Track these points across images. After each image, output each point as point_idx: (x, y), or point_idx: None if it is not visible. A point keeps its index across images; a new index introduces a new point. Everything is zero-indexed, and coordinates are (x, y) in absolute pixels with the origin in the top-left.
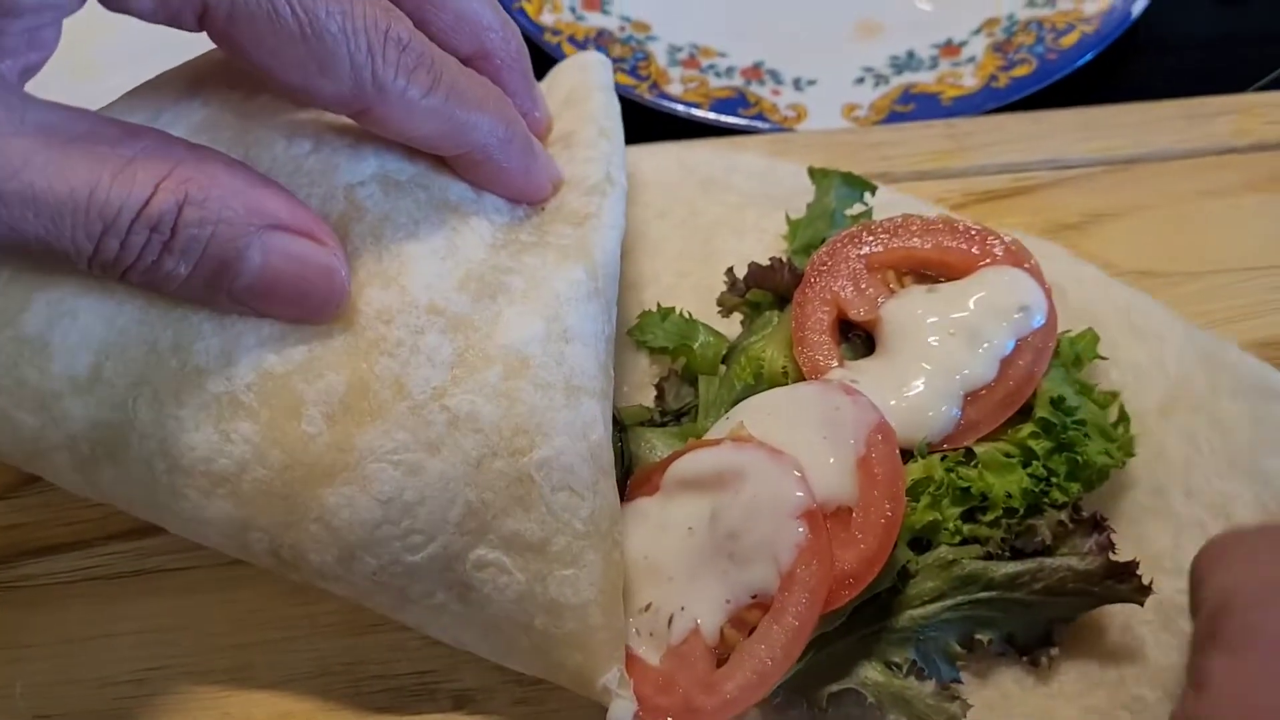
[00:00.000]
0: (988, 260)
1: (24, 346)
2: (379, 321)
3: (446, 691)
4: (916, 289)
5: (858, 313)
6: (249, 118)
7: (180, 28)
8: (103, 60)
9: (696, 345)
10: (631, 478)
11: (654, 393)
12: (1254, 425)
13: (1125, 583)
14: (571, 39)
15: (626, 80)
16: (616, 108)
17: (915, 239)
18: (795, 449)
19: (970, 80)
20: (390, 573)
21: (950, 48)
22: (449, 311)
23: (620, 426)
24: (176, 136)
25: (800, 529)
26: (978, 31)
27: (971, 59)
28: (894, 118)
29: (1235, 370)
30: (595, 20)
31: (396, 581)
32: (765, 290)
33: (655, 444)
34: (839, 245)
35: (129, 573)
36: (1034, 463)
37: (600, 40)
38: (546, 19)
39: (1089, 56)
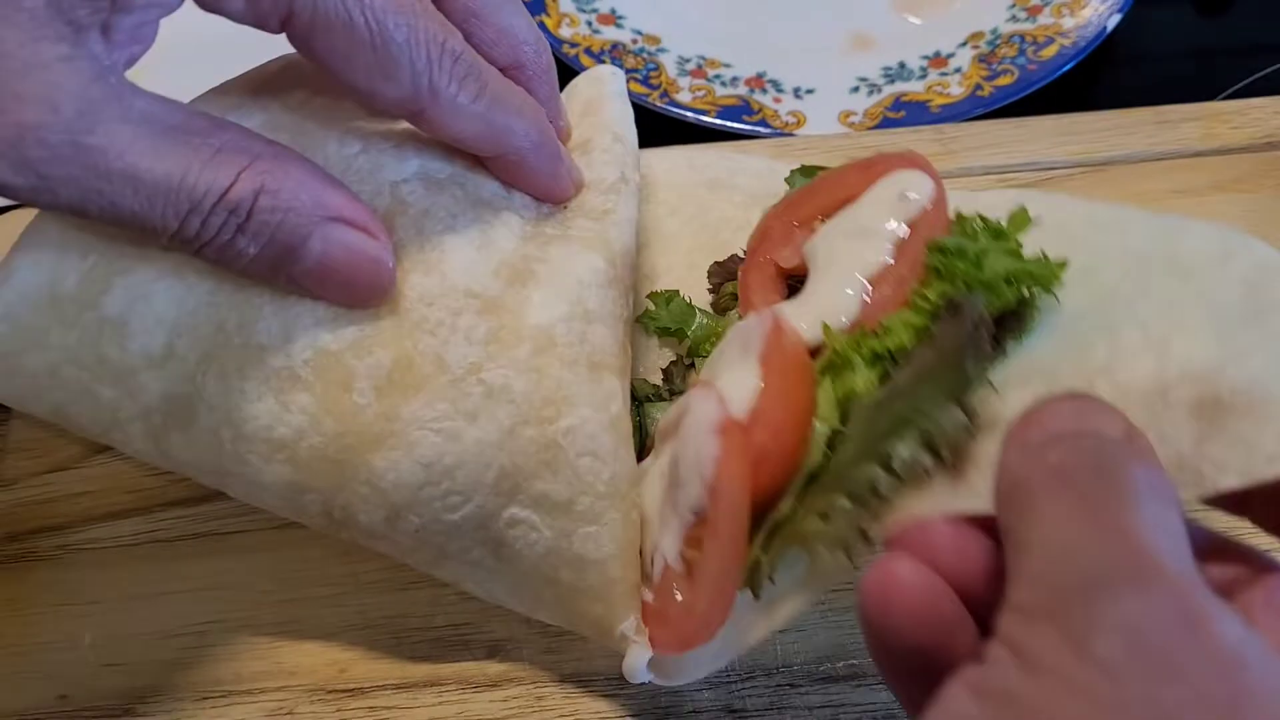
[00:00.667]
0: (881, 173)
1: (105, 326)
2: (421, 304)
3: (480, 642)
4: (829, 221)
5: (789, 261)
6: (303, 122)
7: (263, 29)
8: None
9: (692, 328)
10: (646, 448)
11: (662, 376)
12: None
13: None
14: (588, 51)
15: (639, 89)
16: (629, 115)
17: (829, 186)
18: (719, 376)
19: (957, 89)
20: (431, 530)
21: (938, 59)
22: (484, 295)
23: (638, 401)
24: (255, 132)
25: (715, 442)
26: (964, 44)
27: (958, 70)
28: (886, 124)
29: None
30: (610, 34)
31: (436, 539)
32: (733, 280)
33: (658, 417)
34: (769, 216)
35: (188, 535)
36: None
37: (615, 52)
38: (565, 32)
39: (1067, 67)
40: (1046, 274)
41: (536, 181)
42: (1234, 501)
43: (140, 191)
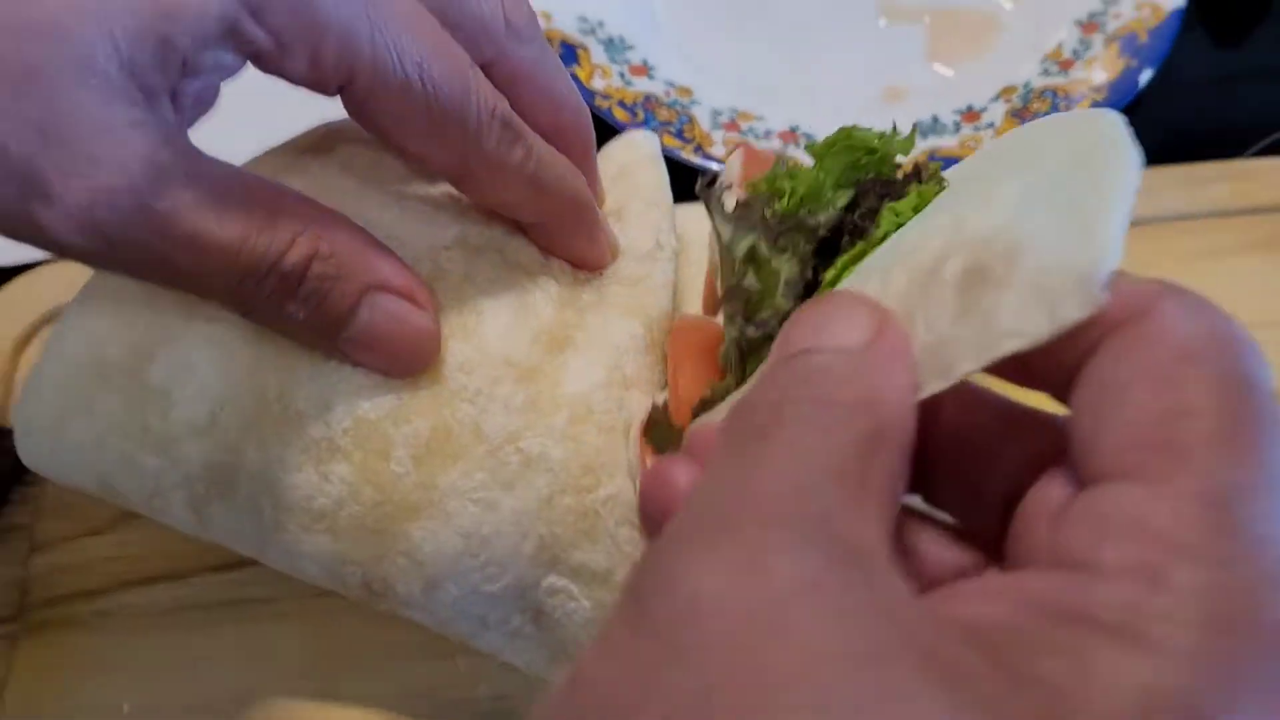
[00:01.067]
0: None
1: (150, 395)
2: (460, 372)
3: (523, 713)
4: None
5: None
6: (345, 185)
7: (321, 92)
8: None
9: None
10: None
11: None
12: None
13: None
14: (621, 103)
15: (673, 142)
16: (664, 179)
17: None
18: None
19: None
20: (470, 600)
21: (971, 113)
22: (522, 363)
23: None
24: (308, 197)
25: None
26: (996, 98)
27: (991, 124)
28: None
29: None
30: (642, 85)
31: (476, 609)
32: None
33: None
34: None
35: (224, 601)
36: None
37: (647, 104)
38: (598, 84)
39: None
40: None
41: (575, 248)
42: (1023, 376)
43: (202, 255)
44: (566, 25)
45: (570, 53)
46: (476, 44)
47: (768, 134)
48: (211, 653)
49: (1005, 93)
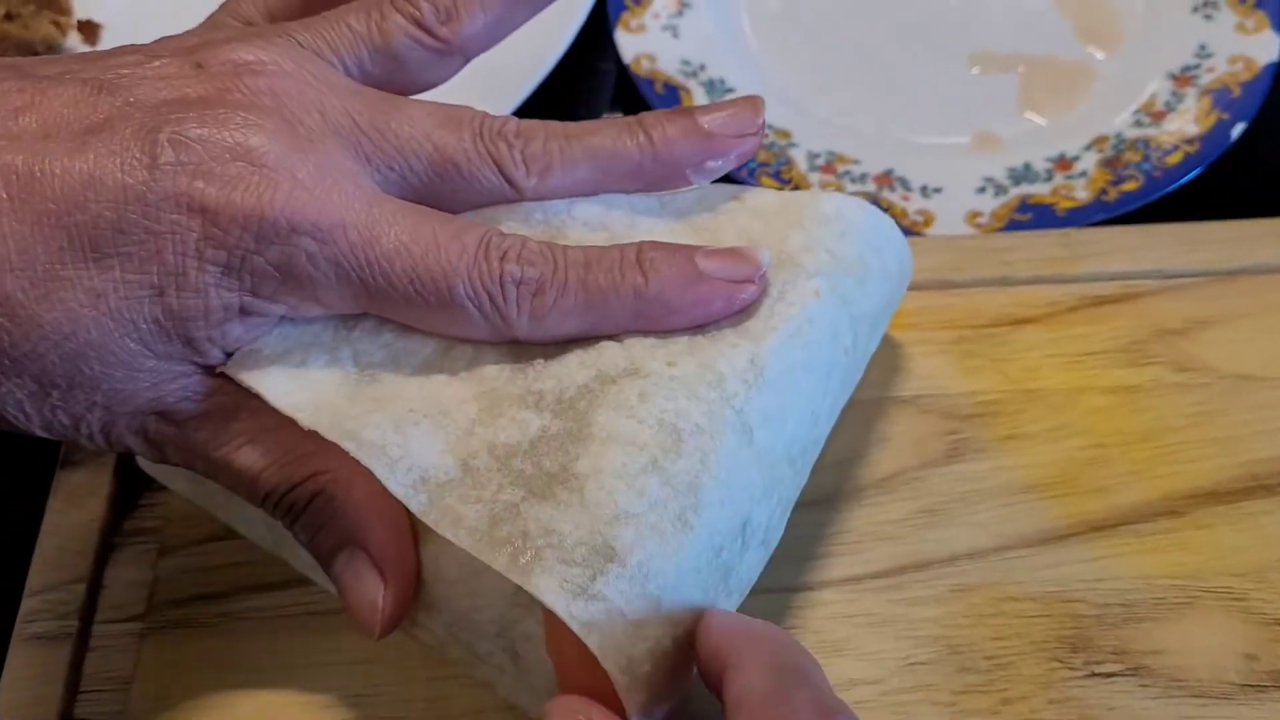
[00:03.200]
0: None
1: None
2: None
3: None
4: None
5: None
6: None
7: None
8: None
9: None
10: None
11: None
12: None
13: None
14: None
15: (770, 184)
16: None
17: None
18: None
19: (1082, 193)
20: (460, 627)
21: (1064, 162)
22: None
23: None
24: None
25: None
26: (1089, 147)
27: (1083, 173)
28: (1013, 225)
29: None
30: None
31: (464, 636)
32: None
33: None
34: None
35: (338, 609)
36: None
37: None
38: None
39: (1192, 175)
40: None
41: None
42: None
43: (233, 475)
44: (669, 67)
45: (673, 94)
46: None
47: (863, 177)
48: (329, 657)
49: (1098, 142)
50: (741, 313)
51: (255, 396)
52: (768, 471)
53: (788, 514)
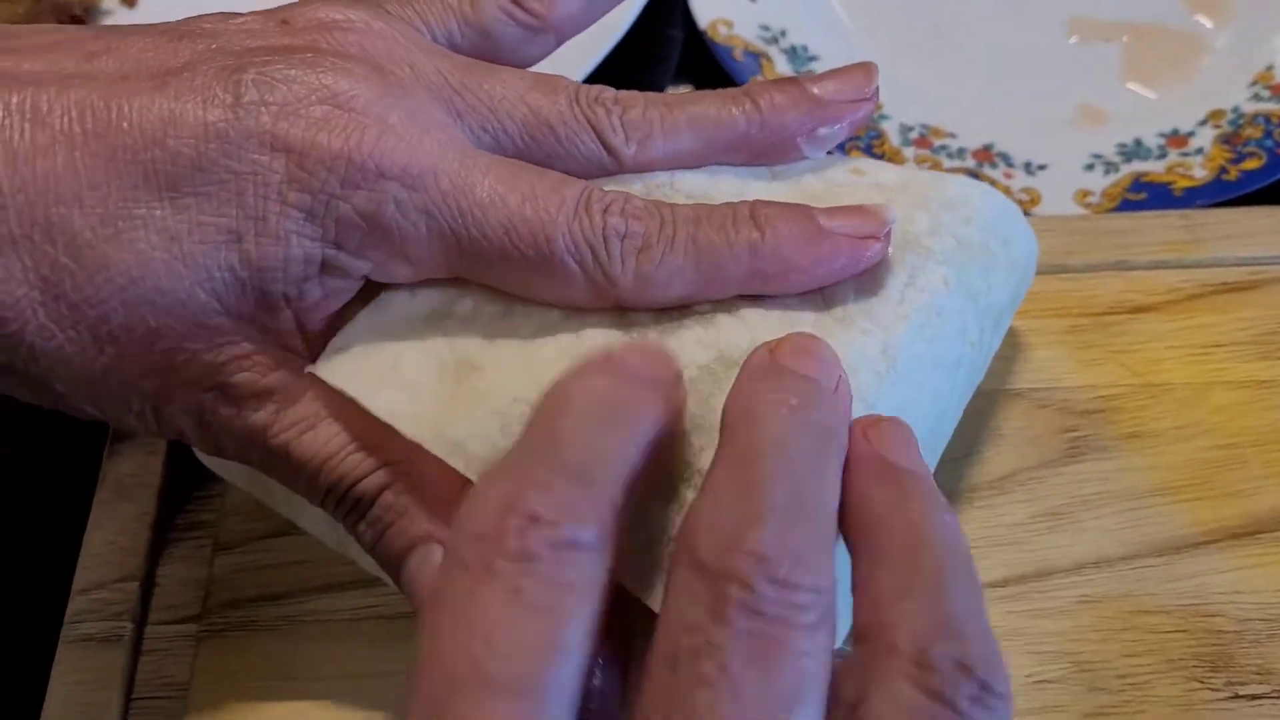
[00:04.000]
0: None
1: None
2: None
3: None
4: None
5: None
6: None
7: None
8: None
9: None
10: None
11: None
12: None
13: None
14: None
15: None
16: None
17: None
18: None
19: (1200, 172)
20: None
21: (1177, 138)
22: None
23: None
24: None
25: None
26: (1204, 123)
27: (1200, 150)
28: (1127, 205)
29: None
30: None
31: None
32: None
33: None
34: None
35: (407, 613)
36: None
37: None
38: None
39: None
40: None
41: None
42: None
43: (292, 465)
44: (747, 33)
45: (753, 61)
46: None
47: (961, 152)
48: (394, 665)
49: (1214, 117)
50: (870, 294)
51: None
52: None
53: None
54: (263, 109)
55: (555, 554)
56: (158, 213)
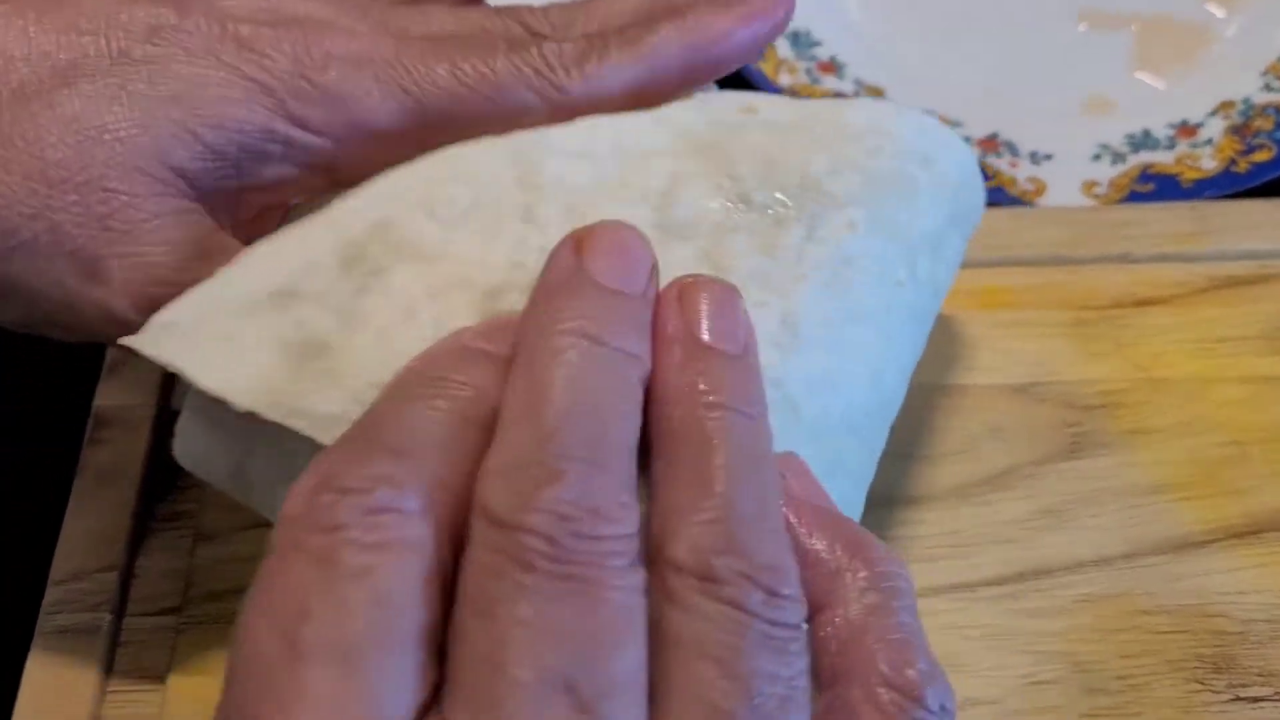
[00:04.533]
0: None
1: None
2: None
3: None
4: None
5: None
6: None
7: None
8: None
9: None
10: None
11: None
12: None
13: None
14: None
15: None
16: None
17: None
18: None
19: (1209, 163)
20: None
21: (1187, 128)
22: None
23: None
24: None
25: None
26: (1213, 113)
27: (1209, 141)
28: (1134, 197)
29: None
30: (830, 83)
31: None
32: None
33: None
34: None
35: None
36: None
37: None
38: (784, 80)
39: None
40: None
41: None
42: None
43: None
44: None
45: None
46: None
47: (966, 140)
48: None
49: (1224, 107)
50: (765, 256)
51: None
52: (825, 447)
53: (863, 491)
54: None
55: (368, 518)
56: (113, 75)
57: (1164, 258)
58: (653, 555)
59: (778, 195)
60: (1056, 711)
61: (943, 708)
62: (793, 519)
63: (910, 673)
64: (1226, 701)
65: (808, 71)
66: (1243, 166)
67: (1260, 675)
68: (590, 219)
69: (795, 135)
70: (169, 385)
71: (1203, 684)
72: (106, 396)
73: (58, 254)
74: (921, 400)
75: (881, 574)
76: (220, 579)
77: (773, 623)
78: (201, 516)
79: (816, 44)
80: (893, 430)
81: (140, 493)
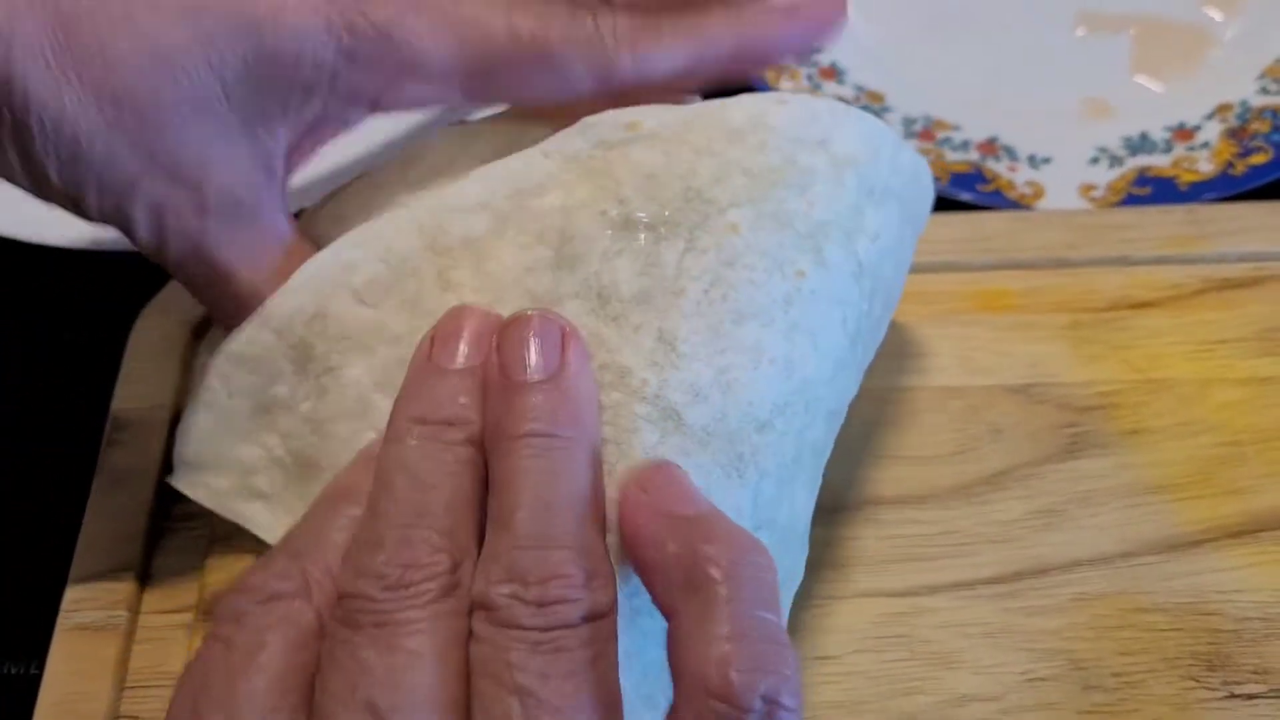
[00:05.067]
0: None
1: None
2: None
3: None
4: None
5: None
6: None
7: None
8: None
9: None
10: None
11: None
12: None
13: None
14: None
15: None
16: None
17: None
18: None
19: (1206, 166)
20: None
21: (1184, 131)
22: None
23: None
24: None
25: None
26: (1210, 116)
27: (1206, 144)
28: (1131, 200)
29: None
30: (832, 89)
31: None
32: None
33: None
34: None
35: None
36: None
37: None
38: (785, 85)
39: None
40: None
41: None
42: None
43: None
44: None
45: None
46: None
47: (964, 145)
48: None
49: (1221, 111)
50: (645, 278)
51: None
52: (724, 450)
53: (799, 485)
54: None
55: (260, 607)
56: None
57: (1161, 260)
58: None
59: (660, 212)
60: (1054, 708)
61: (765, 698)
62: (628, 530)
63: (732, 675)
64: (1222, 698)
65: (809, 77)
66: (1239, 169)
67: (1255, 672)
68: (497, 273)
69: (678, 146)
70: (184, 389)
71: (1198, 681)
72: (124, 400)
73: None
74: (920, 401)
75: (727, 568)
76: (235, 578)
77: (543, 629)
78: (216, 518)
79: (816, 50)
80: (891, 431)
81: (156, 494)
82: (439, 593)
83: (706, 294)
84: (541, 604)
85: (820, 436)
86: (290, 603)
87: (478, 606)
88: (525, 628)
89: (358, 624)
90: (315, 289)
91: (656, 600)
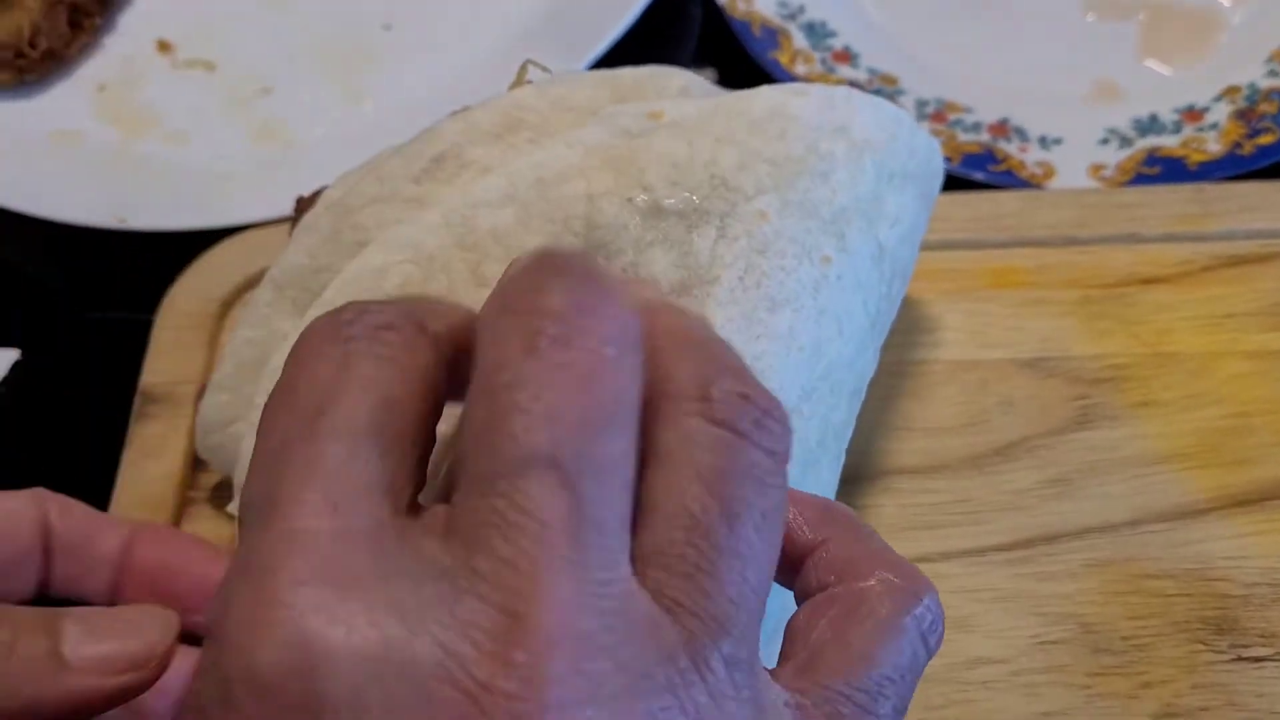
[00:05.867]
0: None
1: None
2: None
3: None
4: None
5: None
6: None
7: None
8: None
9: None
10: None
11: None
12: None
13: None
14: None
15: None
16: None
17: None
18: None
19: (1214, 146)
20: None
21: (1193, 113)
22: None
23: None
24: None
25: None
26: (1219, 98)
27: (1214, 125)
28: (1140, 179)
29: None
30: (845, 72)
31: None
32: None
33: None
34: None
35: None
36: None
37: None
38: (800, 70)
39: None
40: None
41: None
42: None
43: None
44: (766, 9)
45: (771, 37)
46: None
47: (976, 126)
48: None
49: (1229, 93)
50: (682, 269)
51: None
52: None
53: (823, 467)
54: None
55: (380, 333)
56: None
57: (1170, 238)
58: (647, 396)
59: (688, 199)
60: (1064, 670)
61: (755, 423)
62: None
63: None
64: (1229, 661)
65: (823, 61)
66: (1247, 149)
67: (1262, 636)
68: None
69: (700, 135)
70: (211, 364)
71: (1206, 645)
72: (153, 374)
73: None
74: (934, 375)
75: None
76: None
77: (760, 447)
78: None
79: (832, 34)
80: (906, 404)
81: (185, 465)
82: (621, 353)
83: (741, 281)
84: (757, 423)
85: (843, 418)
86: (415, 341)
87: (684, 397)
88: (745, 436)
89: (535, 348)
90: (351, 290)
91: None
